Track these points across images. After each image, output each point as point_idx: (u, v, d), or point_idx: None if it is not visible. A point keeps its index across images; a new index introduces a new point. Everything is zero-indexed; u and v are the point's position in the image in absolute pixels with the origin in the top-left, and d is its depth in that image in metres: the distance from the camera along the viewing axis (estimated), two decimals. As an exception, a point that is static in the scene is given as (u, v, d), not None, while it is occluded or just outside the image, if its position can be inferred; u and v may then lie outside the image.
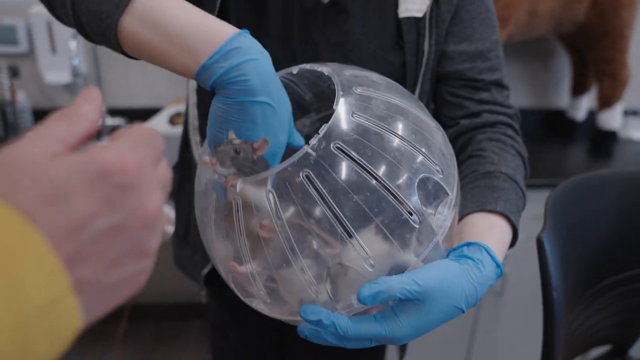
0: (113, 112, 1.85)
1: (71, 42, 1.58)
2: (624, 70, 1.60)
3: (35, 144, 0.23)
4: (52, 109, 1.43)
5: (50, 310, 0.21)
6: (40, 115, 1.84)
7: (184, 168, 0.81)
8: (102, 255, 0.23)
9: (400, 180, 0.42)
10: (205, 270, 0.78)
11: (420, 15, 0.65)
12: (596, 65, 1.63)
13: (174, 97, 1.78)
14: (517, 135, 0.69)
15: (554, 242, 0.76)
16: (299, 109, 0.59)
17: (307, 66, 0.51)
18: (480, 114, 0.68)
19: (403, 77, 0.67)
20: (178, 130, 1.40)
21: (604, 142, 1.69)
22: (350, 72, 0.50)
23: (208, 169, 0.45)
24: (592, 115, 1.76)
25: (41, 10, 1.63)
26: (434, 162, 0.44)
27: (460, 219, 0.55)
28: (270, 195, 0.41)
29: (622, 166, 1.62)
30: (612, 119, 1.66)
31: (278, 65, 0.48)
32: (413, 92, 0.67)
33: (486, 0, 0.69)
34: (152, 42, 0.45)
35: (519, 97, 1.86)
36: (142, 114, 1.81)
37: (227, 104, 0.43)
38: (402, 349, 0.93)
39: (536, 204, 1.44)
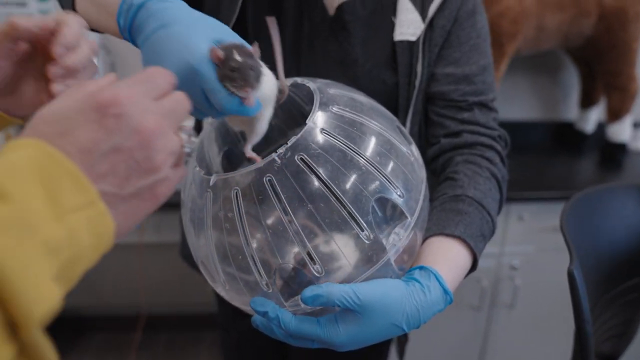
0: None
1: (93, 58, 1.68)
2: (632, 83, 1.62)
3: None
4: None
5: (86, 208, 0.28)
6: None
7: None
8: (113, 172, 0.30)
9: (357, 198, 0.46)
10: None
11: (414, 39, 0.70)
12: (604, 78, 1.66)
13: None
14: (498, 156, 0.71)
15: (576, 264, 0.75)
16: (301, 117, 0.63)
17: (299, 80, 0.57)
18: (460, 133, 0.71)
19: (396, 96, 0.72)
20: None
21: (613, 154, 1.70)
22: (334, 90, 0.54)
23: (191, 166, 0.52)
24: (601, 127, 1.78)
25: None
26: (395, 186, 0.48)
27: (423, 241, 0.57)
28: (235, 192, 0.47)
29: (633, 178, 1.63)
30: (622, 132, 1.68)
31: (288, 74, 0.55)
32: (406, 111, 0.72)
33: (478, 27, 0.73)
34: (93, 15, 0.55)
35: (528, 110, 1.88)
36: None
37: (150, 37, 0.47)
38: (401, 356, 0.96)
39: (546, 215, 1.47)
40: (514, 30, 1.48)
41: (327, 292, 0.44)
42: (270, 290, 0.48)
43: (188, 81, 0.45)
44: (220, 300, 0.93)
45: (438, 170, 0.72)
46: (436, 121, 0.73)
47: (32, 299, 0.25)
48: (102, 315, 1.94)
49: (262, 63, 0.48)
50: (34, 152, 0.28)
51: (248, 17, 0.73)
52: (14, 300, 0.24)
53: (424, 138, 0.76)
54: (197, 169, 0.51)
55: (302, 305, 0.46)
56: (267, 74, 0.48)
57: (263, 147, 0.65)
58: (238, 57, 0.44)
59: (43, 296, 0.25)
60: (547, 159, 1.72)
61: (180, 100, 0.35)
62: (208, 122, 0.69)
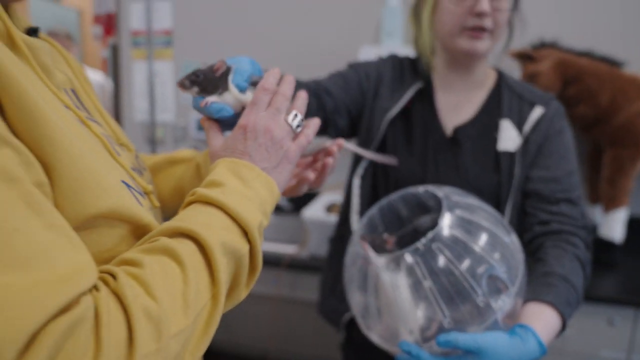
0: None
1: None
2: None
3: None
4: None
5: (257, 177, 0.53)
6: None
7: (339, 241, 1.11)
8: (262, 157, 0.56)
9: (475, 274, 0.65)
10: (347, 316, 1.05)
11: (513, 150, 0.95)
12: None
13: (330, 183, 2.14)
14: (582, 242, 0.89)
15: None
16: (396, 220, 0.89)
17: (429, 188, 0.79)
18: (549, 222, 0.91)
19: (498, 193, 0.95)
20: (332, 218, 1.71)
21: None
22: (457, 197, 0.75)
23: (357, 243, 0.74)
24: None
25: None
26: (500, 265, 0.67)
27: (522, 305, 0.76)
28: (395, 269, 0.67)
29: None
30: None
31: (416, 177, 0.87)
32: (505, 204, 0.94)
33: (565, 141, 0.97)
34: None
35: None
36: (301, 197, 2.19)
37: None
38: None
39: None
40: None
41: (455, 338, 0.65)
42: (413, 336, 0.67)
43: None
44: (349, 343, 1.13)
45: (532, 252, 0.92)
46: (531, 212, 0.94)
47: (251, 221, 0.50)
48: (232, 352, 2.19)
49: (228, 81, 0.60)
50: (224, 163, 0.54)
51: (388, 136, 1.03)
52: (245, 224, 0.49)
53: (521, 225, 0.96)
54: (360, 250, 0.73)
55: (435, 347, 0.64)
56: (231, 89, 0.61)
57: (399, 228, 0.86)
58: (202, 74, 0.59)
59: (256, 220, 0.50)
60: None
61: (282, 96, 0.59)
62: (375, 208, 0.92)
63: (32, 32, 0.54)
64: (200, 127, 2.32)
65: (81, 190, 0.42)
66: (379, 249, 0.79)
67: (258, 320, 2.00)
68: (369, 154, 0.88)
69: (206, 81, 0.59)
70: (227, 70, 0.60)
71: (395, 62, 1.11)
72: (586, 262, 0.89)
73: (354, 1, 2.09)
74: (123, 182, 0.49)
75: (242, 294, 0.51)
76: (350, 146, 0.76)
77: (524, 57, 1.81)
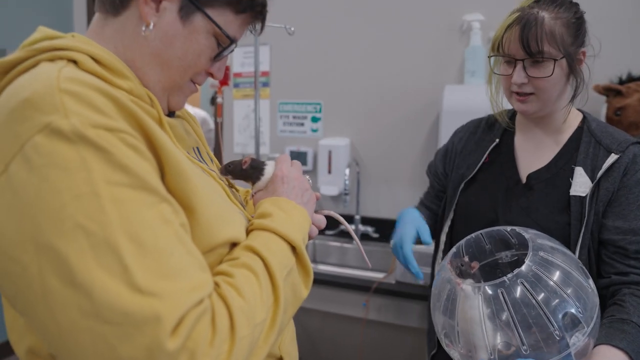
0: (365, 220, 2.44)
1: (346, 169, 2.25)
2: None
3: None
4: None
5: (294, 209, 0.76)
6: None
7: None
8: (296, 195, 0.79)
9: (552, 309, 0.77)
10: (433, 351, 1.19)
11: (584, 195, 1.03)
12: None
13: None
14: None
15: None
16: (480, 252, 1.01)
17: (516, 228, 0.92)
18: (628, 274, 0.98)
19: (568, 233, 1.03)
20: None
21: None
22: (540, 240, 0.88)
23: (444, 269, 0.89)
24: None
25: (326, 142, 2.38)
26: (577, 305, 0.79)
27: (595, 346, 0.85)
28: (480, 296, 0.81)
29: None
30: None
31: (488, 219, 1.00)
32: (576, 244, 1.02)
33: None
34: None
35: None
36: (387, 224, 2.35)
37: None
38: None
39: None
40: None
41: None
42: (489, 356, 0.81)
43: None
44: None
45: (607, 297, 0.99)
46: (607, 262, 1.01)
47: (295, 238, 0.70)
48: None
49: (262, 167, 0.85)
50: (269, 200, 0.76)
51: (465, 193, 1.23)
52: (291, 240, 0.70)
53: (593, 266, 1.03)
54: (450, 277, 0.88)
55: None
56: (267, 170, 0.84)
57: (479, 260, 1.00)
58: (233, 165, 0.83)
59: (298, 237, 0.71)
60: None
61: (297, 162, 0.86)
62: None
63: (172, 114, 0.79)
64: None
65: (211, 226, 0.63)
66: (464, 273, 0.93)
67: (345, 339, 2.16)
68: (354, 235, 1.02)
69: (236, 171, 0.84)
70: (253, 162, 0.83)
71: (469, 129, 1.31)
72: None
73: (439, 41, 2.24)
74: (240, 213, 0.74)
75: (303, 292, 0.72)
76: (340, 219, 0.97)
77: (611, 92, 1.86)
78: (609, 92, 1.87)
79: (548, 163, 1.12)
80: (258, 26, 0.78)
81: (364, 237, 2.41)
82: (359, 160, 2.43)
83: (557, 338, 0.77)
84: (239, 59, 2.63)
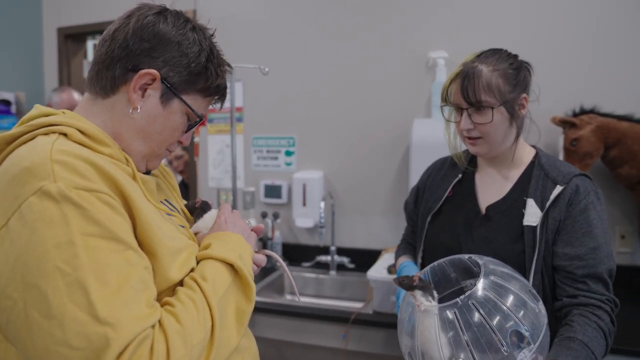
0: (340, 250, 2.55)
1: (321, 202, 2.37)
2: None
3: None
4: (296, 245, 2.34)
5: (236, 237, 0.91)
6: (287, 248, 2.66)
7: None
8: (240, 233, 0.93)
9: (501, 328, 0.90)
10: None
11: (535, 224, 1.17)
12: None
13: (390, 244, 2.39)
14: (607, 314, 1.08)
15: None
16: (447, 281, 1.14)
17: (474, 256, 1.05)
18: (577, 296, 1.11)
19: (523, 260, 1.17)
20: (393, 277, 1.98)
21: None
22: (493, 266, 1.01)
23: (409, 296, 1.02)
24: None
25: (300, 175, 2.50)
26: (523, 324, 0.91)
27: None
28: (436, 317, 0.93)
29: None
30: None
31: (454, 248, 1.13)
32: (530, 270, 1.15)
33: (590, 219, 1.14)
34: None
35: None
36: (362, 254, 2.47)
37: None
38: None
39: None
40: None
41: None
42: None
43: None
44: None
45: (561, 318, 1.13)
46: (560, 286, 1.15)
47: (230, 258, 0.85)
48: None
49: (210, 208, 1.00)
50: (211, 235, 0.90)
51: (432, 225, 1.38)
52: (229, 261, 0.84)
53: (546, 289, 1.16)
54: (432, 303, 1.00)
55: None
56: (210, 213, 0.98)
57: (447, 288, 1.12)
58: (191, 204, 1.00)
59: (233, 256, 0.85)
60: None
61: (237, 212, 1.01)
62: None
63: (148, 172, 0.95)
64: (267, 195, 2.67)
65: (169, 269, 0.77)
66: (408, 286, 1.06)
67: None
68: (288, 272, 1.11)
69: (189, 208, 1.02)
70: (202, 204, 1.00)
71: (437, 166, 1.46)
72: (608, 333, 1.06)
73: (406, 77, 2.42)
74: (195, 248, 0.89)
75: (247, 306, 0.85)
76: (276, 256, 1.09)
77: (566, 124, 2.05)
78: (564, 124, 2.05)
79: (504, 196, 1.27)
80: (221, 103, 1.00)
81: (340, 267, 2.52)
82: (332, 192, 2.56)
83: (505, 354, 0.89)
84: (213, 96, 2.75)
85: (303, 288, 2.49)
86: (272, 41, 2.64)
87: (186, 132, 0.94)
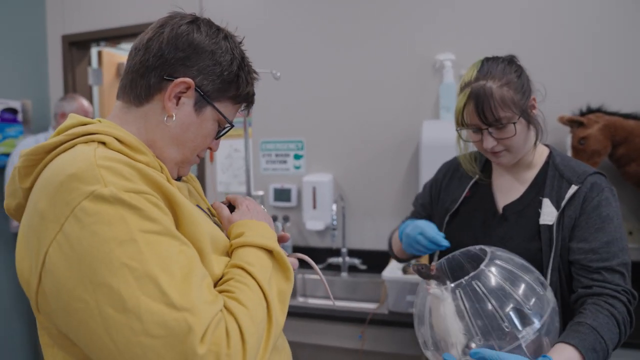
0: (351, 252, 2.60)
1: (333, 204, 2.41)
2: None
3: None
4: (306, 247, 2.40)
5: (263, 225, 0.95)
6: (297, 251, 2.69)
7: None
8: (263, 217, 1.00)
9: (503, 306, 1.01)
10: None
11: (551, 223, 1.24)
12: None
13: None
14: (621, 304, 1.13)
15: None
16: (462, 272, 1.21)
17: (484, 247, 1.16)
18: (591, 287, 1.18)
19: (540, 258, 1.24)
20: (407, 277, 2.02)
21: None
22: (500, 252, 1.11)
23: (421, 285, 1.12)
24: None
25: (310, 178, 2.54)
26: (526, 303, 1.02)
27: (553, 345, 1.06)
28: (447, 295, 1.05)
29: None
30: None
31: (470, 243, 1.19)
32: (547, 267, 1.23)
33: (603, 215, 1.20)
34: None
35: None
36: (374, 255, 2.51)
37: None
38: None
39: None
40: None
41: (483, 352, 0.98)
42: (454, 351, 1.03)
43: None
44: None
45: (577, 308, 1.19)
46: (576, 278, 1.22)
47: (270, 245, 0.89)
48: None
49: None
50: (240, 223, 0.94)
51: (450, 222, 1.44)
52: (269, 247, 0.89)
53: (564, 285, 1.23)
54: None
55: (468, 358, 0.96)
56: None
57: (455, 270, 1.17)
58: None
59: (269, 243, 0.90)
60: None
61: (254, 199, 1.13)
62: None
63: (179, 178, 1.01)
64: (276, 198, 2.70)
65: (212, 262, 0.83)
66: (425, 275, 1.14)
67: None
68: (322, 276, 1.15)
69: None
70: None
71: (453, 165, 1.52)
72: (622, 322, 1.11)
73: (414, 79, 2.52)
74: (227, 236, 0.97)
75: (288, 286, 0.89)
76: (310, 261, 1.12)
77: (574, 123, 2.10)
78: (572, 123, 2.11)
79: (520, 196, 1.34)
80: (249, 110, 1.04)
81: (352, 269, 2.57)
82: (342, 195, 2.62)
83: (507, 330, 0.98)
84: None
85: (315, 290, 2.54)
86: (280, 46, 2.71)
87: (216, 138, 0.98)
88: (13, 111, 3.04)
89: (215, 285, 0.82)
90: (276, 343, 0.98)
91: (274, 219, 2.71)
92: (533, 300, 1.00)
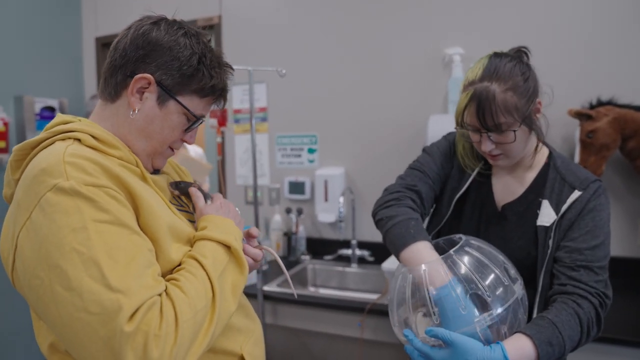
0: (361, 244, 2.66)
1: (340, 197, 2.48)
2: None
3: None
4: (319, 239, 2.48)
5: (228, 222, 1.03)
6: (310, 242, 2.78)
7: None
8: (232, 216, 1.07)
9: (465, 289, 1.04)
10: None
11: (548, 225, 1.24)
12: None
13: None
14: (590, 305, 1.12)
15: None
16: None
17: (462, 235, 1.20)
18: (566, 285, 1.17)
19: (535, 259, 1.24)
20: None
21: None
22: (475, 241, 1.15)
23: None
24: None
25: (322, 172, 2.62)
26: (486, 291, 1.05)
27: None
28: (408, 277, 1.11)
29: None
30: None
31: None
32: (541, 269, 1.23)
33: (596, 219, 1.19)
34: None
35: None
36: (382, 247, 2.56)
37: None
38: None
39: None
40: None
41: (436, 330, 1.02)
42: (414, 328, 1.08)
43: None
44: None
45: (550, 303, 1.18)
46: (555, 274, 1.22)
47: (229, 241, 0.97)
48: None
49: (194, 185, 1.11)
50: (204, 218, 1.02)
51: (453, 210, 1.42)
52: (227, 244, 0.97)
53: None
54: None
55: (425, 336, 1.03)
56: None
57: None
58: (183, 184, 1.10)
59: (229, 238, 0.97)
60: None
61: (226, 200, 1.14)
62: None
63: (157, 171, 1.08)
64: (291, 191, 2.80)
65: (169, 250, 0.90)
66: (183, 190, 1.13)
67: (345, 358, 2.35)
68: (285, 271, 1.21)
69: (182, 189, 1.11)
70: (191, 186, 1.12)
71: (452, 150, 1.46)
72: (587, 322, 1.10)
73: (423, 74, 2.54)
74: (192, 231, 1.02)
75: (241, 280, 0.96)
76: (273, 252, 1.18)
77: (582, 116, 2.08)
78: (580, 116, 2.09)
79: (519, 196, 1.33)
80: (222, 103, 1.08)
81: (361, 260, 2.63)
82: (353, 188, 2.67)
83: (463, 312, 1.02)
84: (238, 97, 2.92)
85: (326, 280, 2.62)
86: (294, 44, 2.80)
87: (186, 131, 1.04)
88: (51, 109, 3.27)
89: (172, 271, 0.92)
90: (239, 324, 1.06)
91: (289, 211, 2.80)
92: (496, 288, 1.03)
